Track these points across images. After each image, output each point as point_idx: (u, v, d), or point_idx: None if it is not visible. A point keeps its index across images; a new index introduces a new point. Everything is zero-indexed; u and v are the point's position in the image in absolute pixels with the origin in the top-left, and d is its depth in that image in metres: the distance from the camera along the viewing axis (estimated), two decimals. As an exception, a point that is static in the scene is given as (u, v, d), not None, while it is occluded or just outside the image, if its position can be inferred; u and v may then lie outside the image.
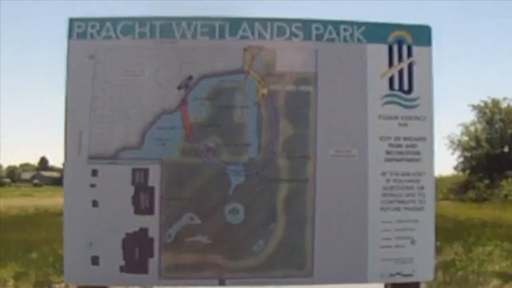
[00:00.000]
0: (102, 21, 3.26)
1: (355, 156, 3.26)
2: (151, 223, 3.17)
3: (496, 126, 42.71)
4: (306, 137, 3.24)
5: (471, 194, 38.12)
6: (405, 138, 3.30)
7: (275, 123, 3.21)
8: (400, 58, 3.34)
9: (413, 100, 3.33)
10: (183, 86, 3.20)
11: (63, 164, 3.22)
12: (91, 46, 3.23)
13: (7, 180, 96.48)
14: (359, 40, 3.31)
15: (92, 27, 3.25)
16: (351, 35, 3.31)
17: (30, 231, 14.73)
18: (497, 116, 42.78)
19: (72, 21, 3.26)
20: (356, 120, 3.28)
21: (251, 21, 3.28)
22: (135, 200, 3.16)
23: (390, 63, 3.32)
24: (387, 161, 3.28)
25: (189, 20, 3.26)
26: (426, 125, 3.34)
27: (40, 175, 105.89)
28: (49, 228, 14.46)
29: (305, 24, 3.30)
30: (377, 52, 3.32)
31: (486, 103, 43.23)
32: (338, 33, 3.30)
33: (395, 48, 3.34)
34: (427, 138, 3.33)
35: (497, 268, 9.57)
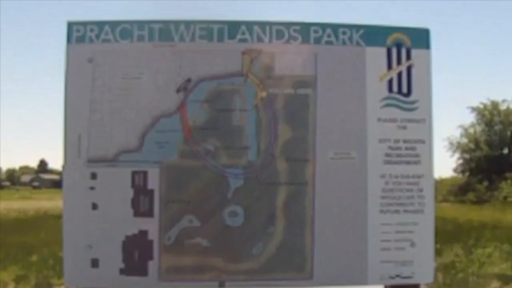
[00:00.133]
0: (100, 24, 3.27)
1: (354, 158, 3.26)
2: (151, 226, 3.17)
3: (495, 128, 42.67)
4: (305, 140, 3.24)
5: (470, 196, 38.09)
6: (404, 141, 3.31)
7: (274, 126, 3.22)
8: (399, 61, 3.34)
9: (412, 102, 3.33)
10: (181, 89, 3.20)
11: (63, 167, 3.23)
12: (90, 49, 3.24)
13: (7, 183, 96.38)
14: (357, 43, 3.32)
15: (91, 30, 3.25)
16: (350, 38, 3.31)
17: (30, 234, 14.72)
18: (496, 118, 42.75)
19: (70, 25, 3.27)
20: (355, 122, 3.28)
21: (249, 24, 3.28)
22: (135, 202, 3.17)
23: (389, 66, 3.33)
24: (387, 164, 3.29)
25: (188, 23, 3.27)
26: (425, 127, 3.34)
27: (40, 178, 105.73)
28: (49, 230, 14.45)
29: (304, 27, 3.30)
30: (376, 55, 3.33)
31: (485, 105, 43.21)
32: (336, 36, 3.31)
33: (394, 51, 3.34)
34: (426, 141, 3.34)
35: (497, 270, 9.56)
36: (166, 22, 3.27)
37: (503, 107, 43.03)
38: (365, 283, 3.29)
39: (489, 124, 42.95)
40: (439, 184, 37.79)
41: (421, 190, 3.31)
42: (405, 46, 3.36)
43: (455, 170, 44.85)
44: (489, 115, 43.02)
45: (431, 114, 3.36)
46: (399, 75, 3.34)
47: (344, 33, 3.32)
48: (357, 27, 3.34)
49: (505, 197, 34.81)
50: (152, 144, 3.18)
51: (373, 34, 3.34)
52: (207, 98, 3.21)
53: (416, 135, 3.32)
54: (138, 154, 3.18)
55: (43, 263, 9.94)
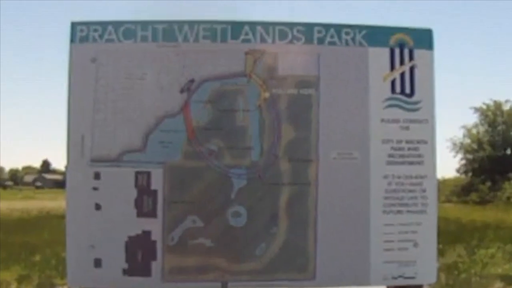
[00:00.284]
0: (104, 24, 3.28)
1: (357, 159, 3.26)
2: (154, 226, 3.17)
3: (499, 128, 42.55)
4: (308, 140, 3.24)
5: (473, 196, 38.00)
6: (407, 141, 3.31)
7: (277, 126, 3.22)
8: (401, 62, 3.34)
9: (415, 103, 3.33)
10: (185, 90, 3.21)
11: (66, 167, 3.23)
12: (93, 49, 3.25)
13: (10, 183, 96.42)
14: (360, 43, 3.32)
15: (94, 30, 3.26)
16: (353, 39, 3.31)
17: (33, 234, 14.71)
18: (499, 119, 42.62)
19: (74, 25, 3.28)
20: (358, 123, 3.28)
21: (253, 25, 3.29)
22: (138, 203, 3.17)
23: (392, 67, 3.33)
24: (389, 164, 3.29)
25: (191, 23, 3.27)
26: (428, 128, 3.34)
27: (43, 178, 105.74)
28: (52, 230, 14.42)
29: (307, 28, 3.31)
30: (379, 56, 3.33)
31: (488, 106, 43.08)
32: (339, 37, 3.31)
33: (397, 52, 3.35)
34: (429, 141, 3.34)
35: (500, 270, 9.53)
36: (169, 23, 3.27)
37: (506, 107, 42.91)
38: (368, 284, 3.29)
39: (492, 124, 42.83)
40: (442, 184, 37.74)
41: (424, 191, 3.31)
42: (407, 46, 3.36)
43: (458, 171, 44.79)
44: (492, 116, 42.89)
45: (434, 114, 3.36)
46: (402, 75, 3.34)
47: (347, 33, 3.32)
48: (360, 27, 3.34)
49: (508, 198, 34.72)
50: (155, 145, 3.18)
51: (375, 35, 3.34)
52: (211, 99, 3.21)
53: (419, 135, 3.32)
54: (142, 154, 3.18)
55: (45, 263, 9.93)
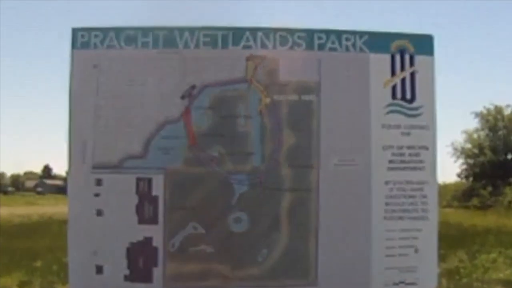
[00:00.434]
0: (105, 30, 3.29)
1: (358, 165, 3.27)
2: (155, 233, 3.17)
3: (499, 133, 42.51)
4: (309, 146, 3.24)
5: (474, 201, 37.95)
6: (408, 147, 3.31)
7: (278, 132, 3.22)
8: (402, 67, 3.35)
9: (416, 109, 3.33)
10: (186, 96, 3.21)
11: (67, 173, 3.24)
12: (95, 55, 3.26)
13: (11, 188, 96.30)
14: (361, 49, 3.33)
15: (95, 36, 3.27)
16: (354, 45, 3.32)
17: (35, 239, 14.68)
18: (500, 123, 42.57)
19: (75, 31, 3.29)
20: (359, 129, 3.29)
21: (253, 31, 3.29)
22: (139, 209, 3.17)
23: (393, 72, 3.33)
24: (390, 170, 3.29)
25: (192, 30, 3.28)
26: (429, 134, 3.35)
27: (44, 183, 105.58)
28: (53, 236, 14.41)
29: (308, 34, 3.31)
30: (380, 62, 3.33)
31: (489, 110, 43.05)
32: (340, 43, 3.31)
33: (397, 58, 3.35)
34: (429, 147, 3.34)
35: (501, 275, 9.52)
36: (170, 29, 3.28)
37: (507, 112, 42.88)
38: (370, 289, 3.29)
39: (493, 129, 42.80)
40: (443, 189, 37.70)
41: (424, 197, 3.31)
42: (408, 52, 3.37)
43: (459, 176, 44.73)
44: (493, 120, 42.86)
45: (435, 120, 3.37)
46: (403, 81, 3.35)
47: (347, 39, 3.33)
48: (361, 33, 3.35)
49: (509, 202, 34.64)
50: (156, 151, 3.19)
51: (376, 41, 3.35)
52: (212, 105, 3.22)
53: (420, 141, 3.32)
54: (143, 161, 3.18)
55: (47, 269, 9.91)
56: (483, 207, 34.84)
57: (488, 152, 41.48)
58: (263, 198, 3.21)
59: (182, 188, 3.18)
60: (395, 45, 3.35)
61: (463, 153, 43.62)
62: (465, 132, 44.13)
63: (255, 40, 3.28)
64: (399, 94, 3.33)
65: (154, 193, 3.18)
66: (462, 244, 12.94)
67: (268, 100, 3.24)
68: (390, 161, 3.29)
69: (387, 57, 3.35)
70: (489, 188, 38.47)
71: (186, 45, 3.27)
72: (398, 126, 3.31)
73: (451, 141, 44.60)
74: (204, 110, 3.22)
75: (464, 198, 39.76)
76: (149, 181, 3.18)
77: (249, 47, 3.28)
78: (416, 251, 3.29)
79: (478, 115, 43.37)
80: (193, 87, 3.22)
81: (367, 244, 3.25)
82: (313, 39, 3.31)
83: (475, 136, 43.78)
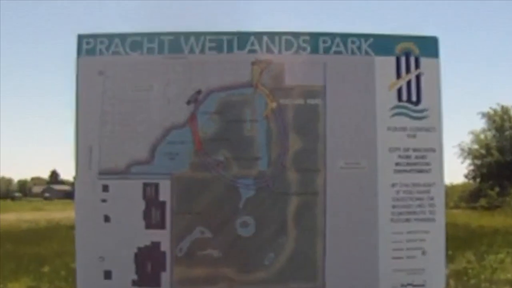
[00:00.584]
0: (110, 37, 3.30)
1: (364, 168, 3.26)
2: (163, 237, 3.18)
3: (506, 133, 42.45)
4: (315, 150, 3.24)
5: (482, 202, 37.92)
6: (414, 149, 3.31)
7: (284, 136, 3.23)
8: (407, 70, 3.34)
9: (422, 111, 3.33)
10: (192, 101, 3.22)
11: (74, 179, 3.25)
12: (100, 62, 3.27)
13: (19, 194, 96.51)
14: (366, 52, 3.33)
15: (101, 43, 3.29)
16: (359, 48, 3.32)
17: (42, 245, 14.72)
18: (507, 124, 42.52)
19: (81, 37, 3.30)
20: (365, 132, 3.28)
21: (259, 35, 3.30)
22: (147, 214, 3.18)
23: (398, 75, 3.33)
24: (397, 173, 3.28)
25: (197, 35, 3.29)
26: (435, 136, 3.34)
27: (51, 189, 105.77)
28: (61, 241, 14.44)
29: (313, 37, 3.32)
30: (385, 64, 3.33)
31: (495, 111, 43.01)
32: (345, 46, 3.32)
33: (403, 60, 3.35)
34: (436, 149, 3.34)
35: (509, 275, 9.49)
36: (175, 34, 3.29)
37: (513, 112, 42.84)
38: (377, 292, 3.29)
39: (499, 129, 42.74)
40: (450, 190, 37.71)
41: (431, 199, 3.30)
42: (413, 54, 3.37)
43: (466, 176, 44.70)
44: (500, 121, 42.81)
45: (441, 122, 3.36)
46: (408, 83, 3.34)
47: (353, 42, 3.33)
48: (366, 36, 3.35)
49: (517, 203, 34.62)
50: (163, 156, 3.20)
51: (381, 43, 3.35)
52: (218, 109, 3.23)
53: (426, 143, 3.32)
54: (149, 166, 3.19)
55: (55, 274, 9.93)
56: (491, 208, 34.76)
57: (495, 152, 41.43)
58: (269, 202, 3.21)
59: (189, 193, 3.19)
60: (400, 47, 3.35)
61: (470, 154, 43.59)
62: (472, 132, 44.15)
63: (260, 44, 3.29)
64: (404, 97, 3.33)
65: (161, 198, 3.18)
66: (469, 245, 12.93)
67: (274, 104, 3.24)
68: (397, 164, 3.28)
69: (393, 59, 3.35)
70: (497, 189, 38.44)
71: (191, 50, 3.27)
72: (404, 129, 3.30)
73: (458, 142, 44.59)
74: (210, 115, 3.22)
75: (471, 199, 39.74)
76: (156, 186, 3.19)
77: (254, 51, 3.28)
78: (424, 253, 3.28)
79: (485, 115, 43.39)
80: (198, 92, 3.23)
81: (374, 247, 3.25)
82: (318, 42, 3.31)
83: (482, 136, 43.75)
